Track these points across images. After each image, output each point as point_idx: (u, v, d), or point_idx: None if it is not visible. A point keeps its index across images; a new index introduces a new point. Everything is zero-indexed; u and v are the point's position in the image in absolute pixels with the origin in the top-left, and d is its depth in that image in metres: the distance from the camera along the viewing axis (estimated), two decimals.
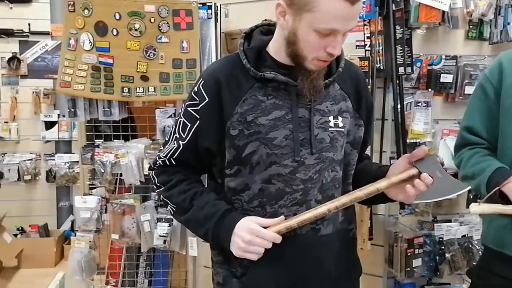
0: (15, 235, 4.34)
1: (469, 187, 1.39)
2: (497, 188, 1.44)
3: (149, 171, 1.48)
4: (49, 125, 4.55)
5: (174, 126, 1.42)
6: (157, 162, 1.44)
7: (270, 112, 1.30)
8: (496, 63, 1.58)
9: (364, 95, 1.43)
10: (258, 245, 1.26)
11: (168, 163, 1.41)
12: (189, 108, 1.36)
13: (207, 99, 1.33)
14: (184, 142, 1.37)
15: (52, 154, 4.58)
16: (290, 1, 1.20)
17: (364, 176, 1.41)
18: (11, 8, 4.52)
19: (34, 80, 4.60)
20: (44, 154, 4.65)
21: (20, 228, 4.52)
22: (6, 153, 4.57)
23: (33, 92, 4.57)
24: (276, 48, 1.32)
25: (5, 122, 4.55)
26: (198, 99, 1.34)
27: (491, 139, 1.58)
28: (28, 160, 4.56)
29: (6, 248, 3.96)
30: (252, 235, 1.26)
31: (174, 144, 1.39)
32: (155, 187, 1.47)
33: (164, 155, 1.42)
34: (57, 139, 4.56)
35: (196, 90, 1.36)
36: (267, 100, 1.30)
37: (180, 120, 1.39)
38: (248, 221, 1.29)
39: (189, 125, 1.36)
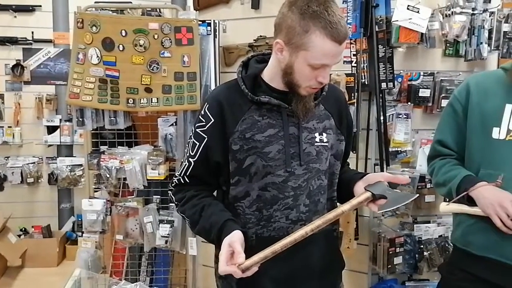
0: (19, 236, 4.39)
1: (416, 196, 1.60)
2: (465, 192, 1.64)
3: (168, 191, 1.63)
4: (51, 129, 4.59)
5: (186, 148, 1.58)
6: (174, 181, 1.60)
7: (265, 130, 1.48)
8: (464, 85, 1.76)
9: (345, 114, 1.63)
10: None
11: (183, 181, 1.57)
12: (197, 130, 1.53)
13: (213, 120, 1.50)
14: (195, 159, 1.53)
15: (54, 157, 4.63)
16: (288, 41, 1.39)
17: (340, 183, 1.62)
18: (15, 17, 4.57)
19: (37, 86, 4.62)
20: (46, 157, 4.68)
21: (23, 229, 4.56)
22: (9, 157, 4.60)
23: (36, 98, 4.61)
24: (270, 76, 1.51)
25: (9, 126, 4.58)
26: (204, 121, 1.52)
27: (459, 151, 1.77)
28: (31, 163, 4.59)
29: (11, 248, 4.02)
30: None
31: (186, 162, 1.56)
32: (174, 205, 1.61)
33: (179, 173, 1.58)
34: (58, 143, 4.58)
35: (202, 113, 1.53)
36: (262, 120, 1.49)
37: (190, 141, 1.56)
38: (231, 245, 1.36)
39: (198, 143, 1.52)
